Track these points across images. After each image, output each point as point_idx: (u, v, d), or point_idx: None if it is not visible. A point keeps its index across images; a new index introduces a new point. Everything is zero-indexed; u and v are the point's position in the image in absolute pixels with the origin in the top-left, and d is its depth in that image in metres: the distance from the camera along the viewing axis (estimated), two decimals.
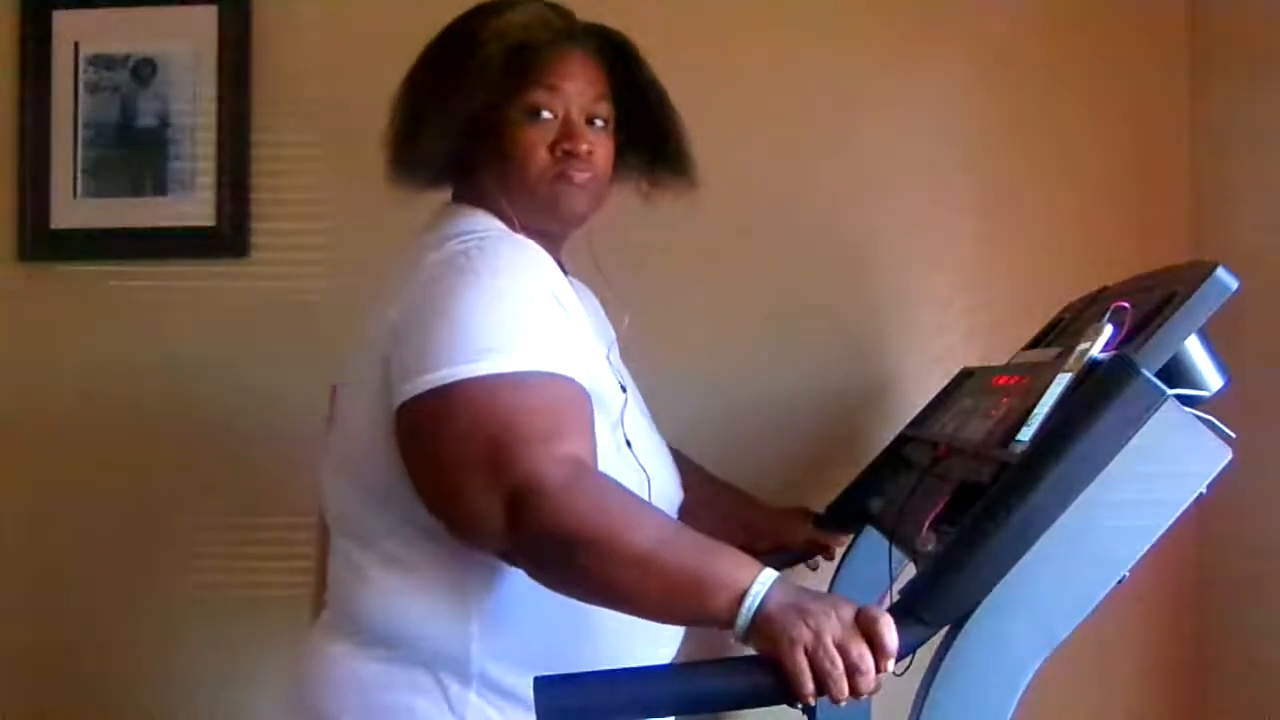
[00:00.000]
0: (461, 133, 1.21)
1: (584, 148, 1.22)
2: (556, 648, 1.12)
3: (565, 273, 1.25)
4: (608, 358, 1.27)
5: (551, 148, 1.21)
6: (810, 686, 0.92)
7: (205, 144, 1.90)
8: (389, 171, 1.28)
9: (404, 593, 1.14)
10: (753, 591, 0.94)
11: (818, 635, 0.92)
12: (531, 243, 1.17)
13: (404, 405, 1.08)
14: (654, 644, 1.20)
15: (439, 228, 1.21)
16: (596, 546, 0.98)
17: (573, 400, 1.08)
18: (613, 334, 1.39)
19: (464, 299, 1.08)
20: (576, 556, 0.99)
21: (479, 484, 1.03)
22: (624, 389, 1.26)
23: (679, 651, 1.26)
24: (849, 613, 0.93)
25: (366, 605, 1.16)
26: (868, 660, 0.91)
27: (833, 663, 0.91)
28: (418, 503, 1.10)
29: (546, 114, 1.22)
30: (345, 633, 1.18)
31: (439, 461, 1.06)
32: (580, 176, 1.22)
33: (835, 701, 0.93)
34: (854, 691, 0.92)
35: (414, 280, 1.12)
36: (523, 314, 1.10)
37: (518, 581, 1.08)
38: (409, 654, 1.13)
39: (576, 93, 1.23)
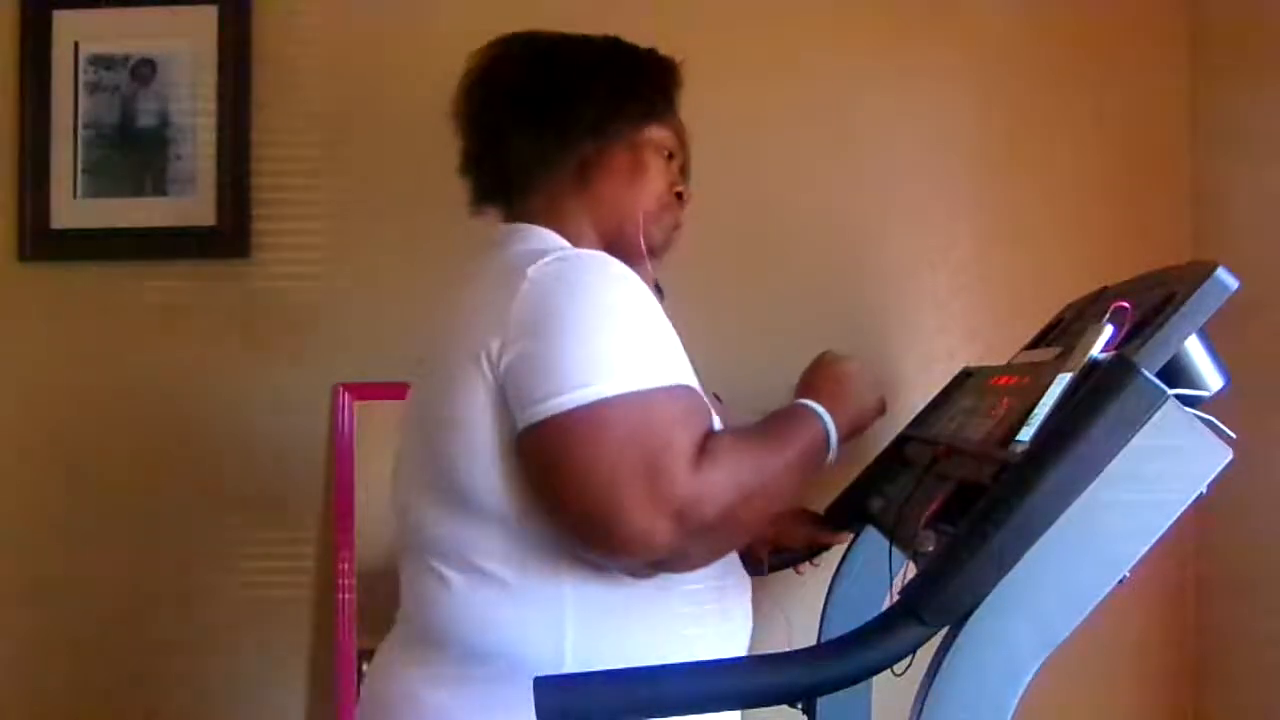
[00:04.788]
0: (597, 138, 1.22)
1: (688, 197, 1.30)
2: (649, 649, 1.09)
3: None
4: None
5: (670, 186, 1.28)
6: None
7: (205, 144, 1.90)
8: (479, 173, 1.28)
9: (500, 609, 1.12)
10: (829, 431, 1.20)
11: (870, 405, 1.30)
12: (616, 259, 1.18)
13: (539, 427, 1.05)
14: (738, 639, 1.22)
15: (510, 245, 1.19)
16: (759, 499, 1.11)
17: (702, 408, 1.11)
18: None
19: (588, 316, 1.08)
20: (742, 517, 1.10)
21: (636, 503, 1.03)
22: (719, 398, 1.28)
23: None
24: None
25: (459, 623, 1.14)
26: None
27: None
28: (525, 521, 1.10)
29: (674, 157, 1.28)
30: (432, 653, 1.16)
31: (588, 482, 1.05)
32: (681, 222, 1.31)
33: None
34: None
35: (513, 303, 1.08)
36: (646, 329, 1.11)
37: (612, 589, 1.10)
38: (503, 668, 1.11)
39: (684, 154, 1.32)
